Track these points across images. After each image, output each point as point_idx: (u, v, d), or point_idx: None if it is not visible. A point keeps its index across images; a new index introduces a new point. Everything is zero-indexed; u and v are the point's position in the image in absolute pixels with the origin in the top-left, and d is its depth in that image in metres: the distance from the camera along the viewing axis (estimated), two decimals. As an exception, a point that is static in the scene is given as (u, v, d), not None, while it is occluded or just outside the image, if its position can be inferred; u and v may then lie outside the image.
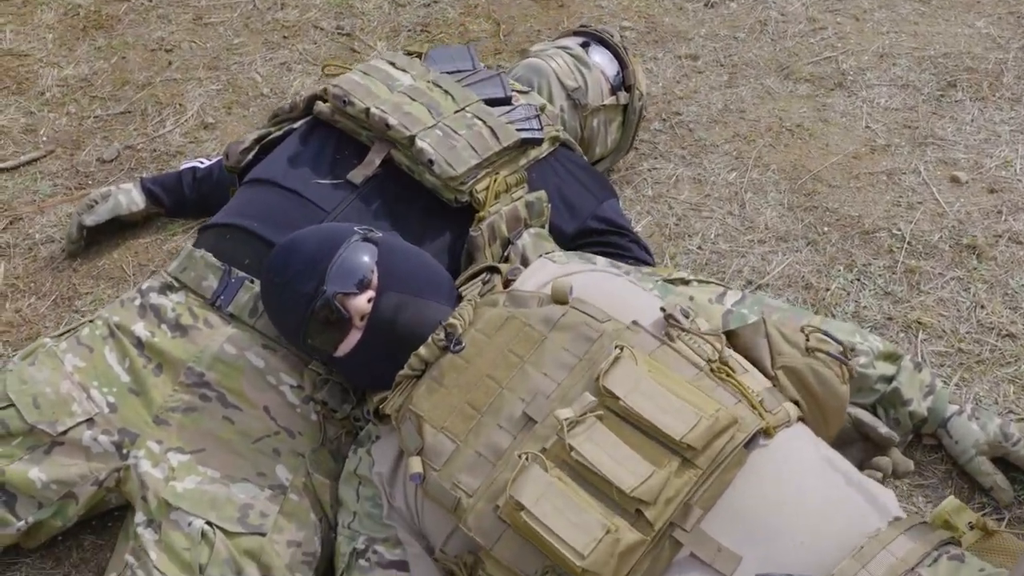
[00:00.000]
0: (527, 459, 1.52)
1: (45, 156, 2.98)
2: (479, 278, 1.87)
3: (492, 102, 2.19)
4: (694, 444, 1.48)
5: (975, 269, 2.32)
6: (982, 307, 2.24)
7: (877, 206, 2.50)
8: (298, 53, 3.31)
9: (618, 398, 1.53)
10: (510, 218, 2.08)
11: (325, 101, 2.18)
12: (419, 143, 2.03)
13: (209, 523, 1.74)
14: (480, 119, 2.11)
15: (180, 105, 3.13)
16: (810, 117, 2.81)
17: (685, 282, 1.96)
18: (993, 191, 2.51)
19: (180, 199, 2.63)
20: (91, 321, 2.02)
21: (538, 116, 2.20)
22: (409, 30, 3.37)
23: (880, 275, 2.33)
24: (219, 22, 3.52)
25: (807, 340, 1.75)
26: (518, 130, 2.14)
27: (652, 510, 1.45)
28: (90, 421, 1.88)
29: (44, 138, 3.05)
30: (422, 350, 1.70)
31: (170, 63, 3.32)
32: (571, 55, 2.47)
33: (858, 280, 2.33)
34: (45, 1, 3.70)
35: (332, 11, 3.50)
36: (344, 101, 2.10)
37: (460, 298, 1.84)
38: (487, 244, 2.04)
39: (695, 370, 1.61)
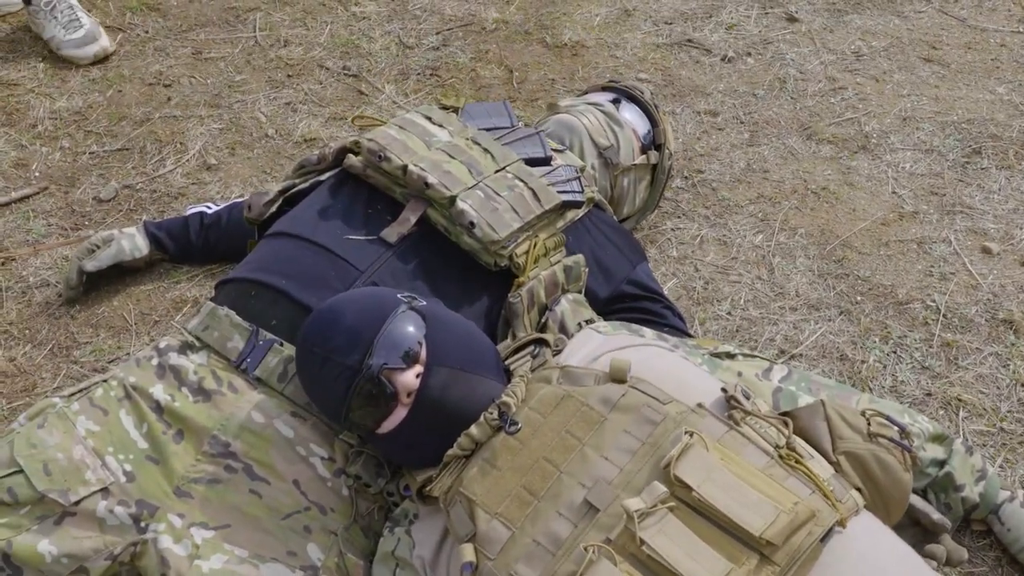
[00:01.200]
0: (594, 553, 1.42)
1: (38, 193, 2.85)
2: (527, 351, 1.77)
3: (532, 162, 2.11)
4: (774, 540, 1.40)
5: (1013, 345, 2.26)
6: (1022, 385, 2.18)
7: (909, 276, 2.45)
8: (303, 93, 3.21)
9: (691, 489, 1.44)
10: (548, 283, 1.99)
11: (356, 154, 2.08)
12: (460, 204, 1.93)
13: None
14: (521, 180, 2.03)
15: (181, 144, 3.01)
16: (835, 180, 2.76)
17: (731, 356, 1.89)
18: (1026, 264, 2.47)
19: (186, 246, 2.51)
20: (105, 381, 1.89)
21: (578, 178, 2.12)
22: (418, 73, 3.28)
23: (917, 348, 2.27)
24: (219, 57, 3.41)
25: (868, 424, 1.67)
26: (559, 192, 2.05)
27: None
28: (105, 491, 1.75)
29: (37, 173, 2.92)
30: (474, 430, 1.60)
31: (169, 99, 3.20)
32: (603, 112, 2.39)
33: (894, 353, 2.26)
34: (36, 28, 3.57)
35: (337, 50, 3.41)
36: (380, 156, 2.01)
37: (508, 372, 1.74)
38: (526, 311, 1.95)
39: (766, 457, 1.52)
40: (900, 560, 1.52)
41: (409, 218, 1.98)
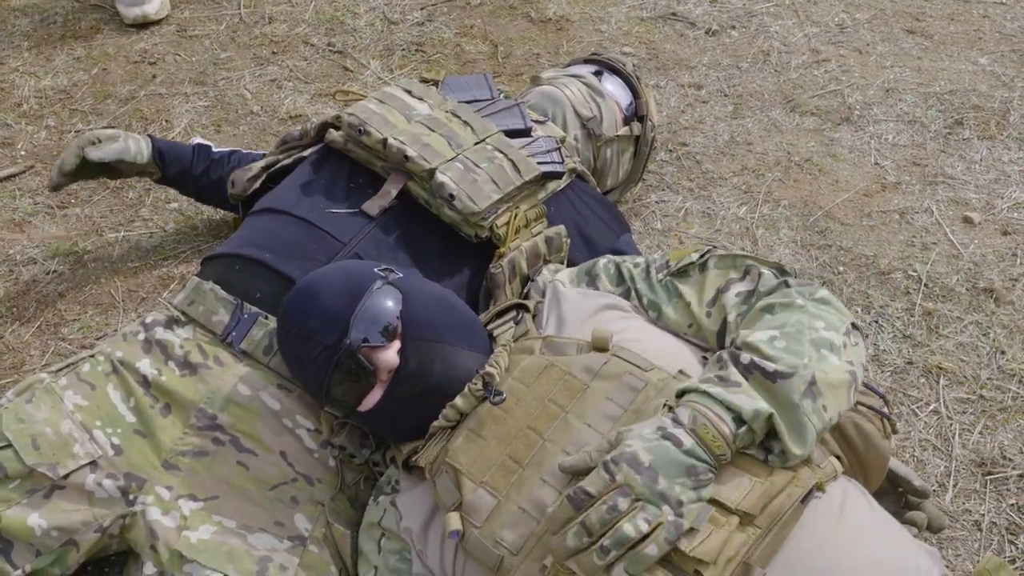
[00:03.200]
0: None
1: (24, 172, 2.85)
2: (509, 317, 1.79)
3: (512, 133, 2.12)
4: (750, 511, 1.42)
5: (993, 313, 2.29)
6: (1002, 353, 2.20)
7: (891, 246, 2.47)
8: (288, 70, 3.21)
9: None
10: (530, 254, 2.01)
11: (337, 129, 2.09)
12: (439, 177, 1.95)
13: None
14: (501, 152, 2.04)
15: (167, 121, 3.01)
16: (818, 152, 2.78)
17: (703, 267, 1.75)
18: (1007, 233, 2.49)
19: (184, 171, 2.43)
20: (92, 356, 1.90)
21: (559, 149, 2.13)
22: (403, 49, 3.28)
23: (898, 317, 2.29)
24: (204, 35, 3.41)
25: (848, 390, 1.69)
26: (539, 163, 2.06)
27: (711, 571, 1.39)
28: (93, 464, 1.76)
29: (22, 152, 2.92)
30: (458, 400, 1.62)
31: (154, 76, 3.20)
32: (585, 84, 2.40)
33: (876, 322, 2.29)
34: (19, 7, 3.56)
35: (322, 27, 3.40)
36: (360, 130, 2.01)
37: (491, 338, 1.76)
38: (507, 281, 1.96)
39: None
40: (878, 523, 1.54)
41: (390, 191, 1.99)
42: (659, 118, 2.91)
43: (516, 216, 2.00)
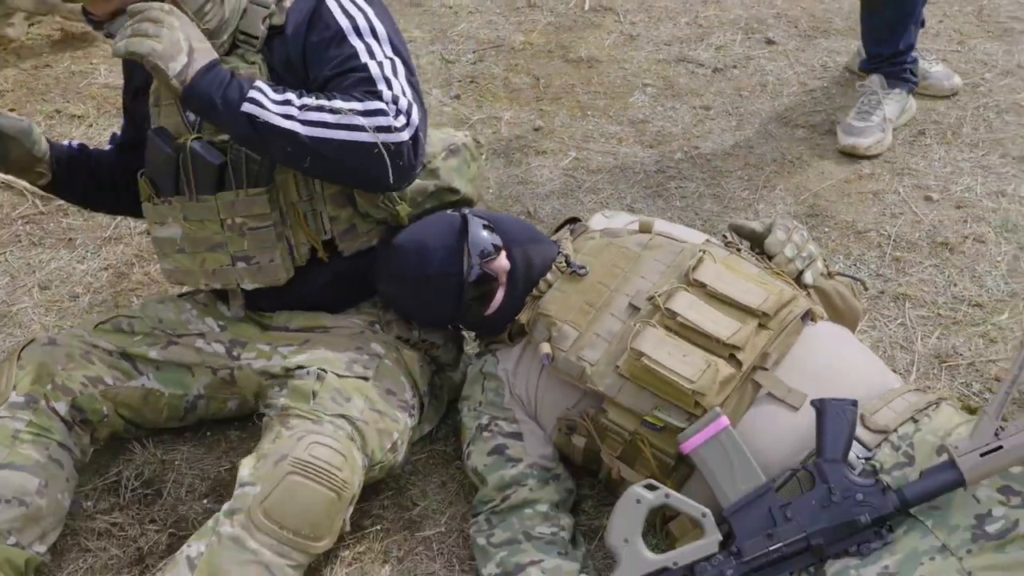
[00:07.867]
0: (642, 324, 1.99)
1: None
2: (566, 228, 2.34)
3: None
4: (767, 311, 1.97)
5: (948, 259, 2.86)
6: (955, 285, 2.77)
7: (867, 215, 3.06)
8: (364, 96, 3.84)
9: (705, 285, 2.02)
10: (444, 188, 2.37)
11: None
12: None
13: (323, 369, 2.07)
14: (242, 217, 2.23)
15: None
16: (807, 153, 3.39)
17: None
18: (959, 207, 3.08)
19: (74, 161, 2.35)
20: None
21: None
22: (460, 81, 3.93)
23: (872, 262, 2.87)
24: (291, 70, 4.06)
25: (827, 266, 2.27)
26: None
27: (742, 354, 1.93)
28: (202, 335, 2.28)
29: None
30: (549, 276, 2.16)
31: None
32: None
33: (855, 265, 2.86)
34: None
35: (391, 65, 4.06)
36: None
37: (555, 244, 2.29)
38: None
39: (757, 268, 2.11)
40: (857, 343, 2.10)
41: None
42: (675, 129, 3.53)
43: (359, 206, 2.22)
